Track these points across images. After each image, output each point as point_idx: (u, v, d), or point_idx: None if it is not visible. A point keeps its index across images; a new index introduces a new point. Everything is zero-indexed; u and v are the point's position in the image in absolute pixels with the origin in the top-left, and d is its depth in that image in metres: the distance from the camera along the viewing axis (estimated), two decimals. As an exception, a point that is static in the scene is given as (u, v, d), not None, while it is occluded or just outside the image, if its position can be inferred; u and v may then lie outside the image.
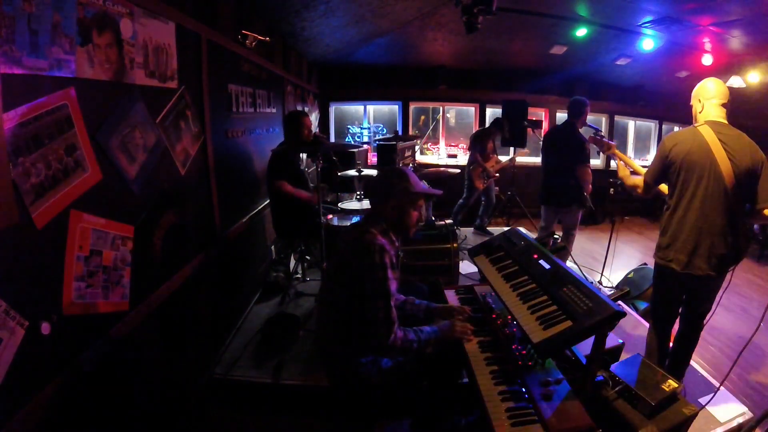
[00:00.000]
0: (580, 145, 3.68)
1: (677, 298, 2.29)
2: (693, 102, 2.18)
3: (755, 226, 5.52)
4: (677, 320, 2.36)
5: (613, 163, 6.06)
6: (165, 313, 1.90)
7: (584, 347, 1.58)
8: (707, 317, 2.24)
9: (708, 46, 5.06)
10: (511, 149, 5.74)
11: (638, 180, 2.36)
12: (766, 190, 1.97)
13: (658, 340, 2.37)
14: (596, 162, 7.04)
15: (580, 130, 3.81)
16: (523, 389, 1.48)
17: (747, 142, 2.00)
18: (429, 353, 1.74)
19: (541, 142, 4.31)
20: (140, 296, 1.69)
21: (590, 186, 3.80)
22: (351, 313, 1.66)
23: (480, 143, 5.23)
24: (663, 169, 2.17)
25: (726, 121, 2.07)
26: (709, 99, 2.10)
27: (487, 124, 6.03)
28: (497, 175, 5.35)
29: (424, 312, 2.00)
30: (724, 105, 2.08)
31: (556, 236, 4.09)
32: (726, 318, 3.63)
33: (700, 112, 2.13)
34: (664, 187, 2.32)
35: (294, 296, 3.40)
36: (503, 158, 5.63)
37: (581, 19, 4.85)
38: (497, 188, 5.80)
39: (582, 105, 3.76)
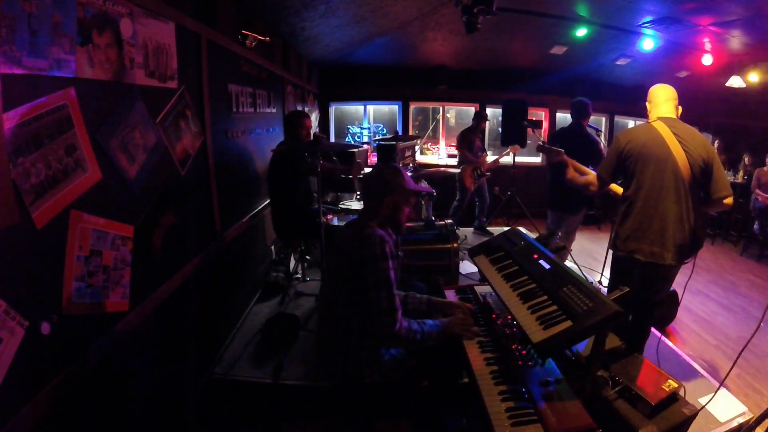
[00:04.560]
0: (593, 145, 3.65)
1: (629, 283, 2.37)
2: (647, 106, 2.32)
3: (755, 226, 5.53)
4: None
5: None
6: (165, 313, 1.90)
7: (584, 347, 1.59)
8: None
9: (708, 46, 5.06)
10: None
11: (590, 177, 2.44)
12: (720, 180, 2.10)
13: None
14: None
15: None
16: (523, 389, 1.48)
17: (699, 136, 2.14)
18: (430, 348, 1.77)
19: (541, 143, 4.29)
20: (140, 296, 1.69)
21: None
22: (354, 307, 1.67)
23: (467, 141, 5.19)
24: (618, 163, 2.26)
25: (676, 117, 2.21)
26: (657, 99, 2.26)
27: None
28: (488, 173, 5.32)
29: (425, 305, 2.01)
30: (673, 104, 2.23)
31: (557, 237, 4.09)
32: (726, 318, 3.63)
33: (651, 112, 2.28)
34: (614, 187, 2.43)
35: (294, 296, 3.40)
36: (492, 157, 5.61)
37: (581, 19, 4.85)
38: (497, 188, 5.79)
39: (588, 105, 3.77)
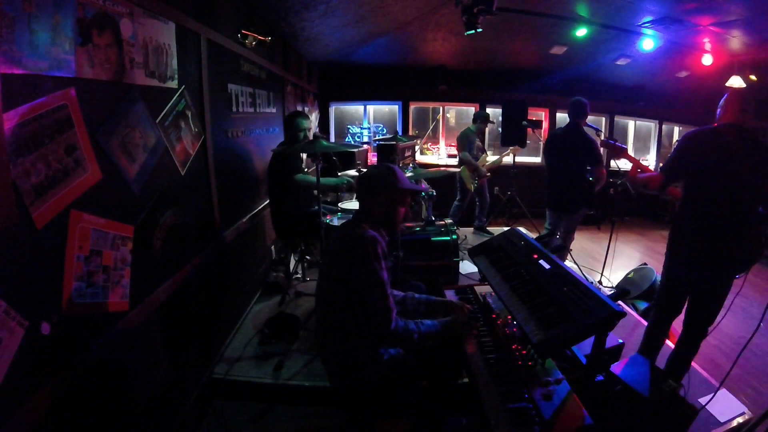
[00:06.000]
0: (590, 146, 3.63)
1: (684, 296, 2.30)
2: (719, 109, 2.19)
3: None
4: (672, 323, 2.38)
5: (613, 163, 6.07)
6: (165, 313, 1.90)
7: (584, 347, 1.58)
8: (712, 326, 2.22)
9: (708, 46, 5.07)
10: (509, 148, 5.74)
11: (651, 175, 2.31)
12: None
13: (656, 333, 2.40)
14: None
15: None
16: (523, 389, 1.48)
17: (762, 145, 2.01)
18: (430, 348, 1.76)
19: (541, 143, 4.29)
20: (140, 296, 1.69)
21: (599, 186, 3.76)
22: (350, 308, 1.67)
23: (467, 142, 5.19)
24: (677, 164, 2.17)
25: (744, 125, 2.08)
26: (726, 104, 2.13)
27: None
28: (488, 174, 5.32)
29: (425, 305, 2.00)
30: (742, 110, 2.09)
31: (557, 237, 4.09)
32: (726, 318, 3.62)
33: (719, 116, 2.16)
34: (673, 190, 2.33)
35: (294, 296, 3.41)
36: (492, 157, 5.60)
37: (581, 19, 4.85)
38: (497, 188, 5.79)
39: (585, 105, 3.74)
